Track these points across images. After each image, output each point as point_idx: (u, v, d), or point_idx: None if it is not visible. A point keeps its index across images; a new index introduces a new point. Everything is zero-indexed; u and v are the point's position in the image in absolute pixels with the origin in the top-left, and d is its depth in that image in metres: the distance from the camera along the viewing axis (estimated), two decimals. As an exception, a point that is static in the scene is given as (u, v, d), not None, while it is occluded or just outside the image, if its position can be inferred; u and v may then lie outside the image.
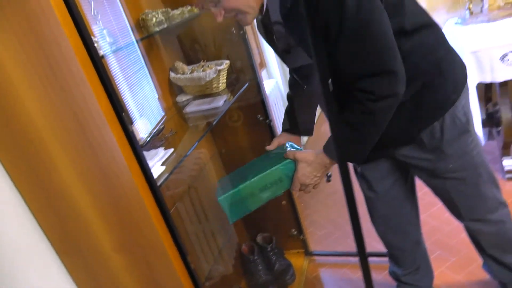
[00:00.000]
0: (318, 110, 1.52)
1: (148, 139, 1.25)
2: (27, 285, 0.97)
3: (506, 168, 2.23)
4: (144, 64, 1.65)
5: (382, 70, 0.97)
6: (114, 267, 1.06)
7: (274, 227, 2.09)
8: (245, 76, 1.78)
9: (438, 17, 2.51)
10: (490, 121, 2.46)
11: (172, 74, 1.65)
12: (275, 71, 3.06)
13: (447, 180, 1.23)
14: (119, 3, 1.57)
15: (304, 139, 3.02)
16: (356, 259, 2.03)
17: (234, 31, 1.68)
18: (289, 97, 1.49)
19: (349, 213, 0.85)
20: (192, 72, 1.63)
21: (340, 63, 0.99)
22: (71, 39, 0.76)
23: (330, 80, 0.73)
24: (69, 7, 0.77)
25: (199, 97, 1.66)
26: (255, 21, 1.24)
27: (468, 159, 1.20)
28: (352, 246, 2.18)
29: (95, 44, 0.83)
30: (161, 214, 0.96)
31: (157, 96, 1.69)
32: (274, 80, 2.93)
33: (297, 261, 2.07)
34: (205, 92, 1.65)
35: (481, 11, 2.27)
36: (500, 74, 1.96)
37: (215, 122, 1.38)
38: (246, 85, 1.68)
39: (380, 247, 1.73)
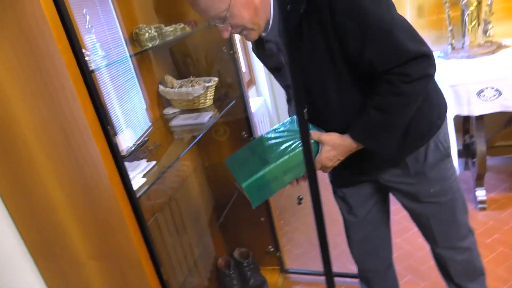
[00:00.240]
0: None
1: (132, 151, 1.28)
2: (0, 288, 0.99)
3: (479, 199, 2.32)
4: (134, 74, 1.69)
5: (417, 55, 0.99)
6: (89, 274, 1.08)
7: (251, 243, 2.12)
8: (233, 93, 1.83)
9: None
10: (467, 152, 2.55)
11: (161, 87, 1.70)
12: (264, 89, 3.12)
13: (426, 205, 1.27)
14: (114, 15, 1.61)
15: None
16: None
17: (225, 50, 1.74)
18: (290, 112, 1.49)
19: (318, 233, 0.89)
20: (180, 86, 1.68)
21: (370, 64, 1.01)
22: (64, 54, 0.80)
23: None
24: (64, 22, 0.81)
25: (186, 111, 1.70)
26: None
27: (447, 184, 1.26)
28: (327, 266, 2.22)
29: (87, 58, 0.87)
30: (138, 225, 0.99)
31: (145, 107, 1.72)
32: (262, 98, 2.99)
33: (272, 277, 2.10)
34: (192, 106, 1.69)
35: (462, 47, 2.37)
36: (476, 108, 2.05)
37: (199, 138, 1.42)
38: (233, 102, 1.73)
39: (354, 268, 1.77)
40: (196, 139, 1.42)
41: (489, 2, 2.30)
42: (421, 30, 2.06)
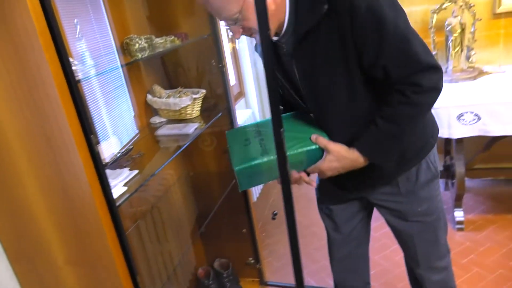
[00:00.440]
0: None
1: (115, 159, 1.30)
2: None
3: (457, 219, 2.37)
4: (124, 82, 1.71)
5: (429, 66, 1.01)
6: (65, 279, 1.09)
7: (232, 254, 2.14)
8: (221, 105, 1.87)
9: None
10: (447, 173, 2.62)
11: (149, 96, 1.72)
12: (253, 101, 3.17)
13: (412, 223, 1.29)
14: (107, 23, 1.64)
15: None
16: (307, 293, 2.09)
17: (214, 63, 1.78)
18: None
19: (290, 246, 0.91)
20: (168, 96, 1.71)
21: (385, 72, 1.02)
22: (51, 65, 0.82)
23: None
24: (53, 33, 0.84)
25: (172, 121, 1.73)
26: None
27: (434, 203, 1.28)
28: (307, 280, 2.24)
29: (75, 68, 0.89)
30: (117, 233, 1.01)
31: (133, 114, 1.74)
32: (251, 110, 3.03)
33: (251, 289, 2.11)
34: (179, 117, 1.72)
35: (446, 71, 2.45)
36: (456, 132, 2.12)
37: (182, 149, 1.44)
38: (219, 115, 1.77)
39: (332, 283, 1.80)
40: (180, 150, 1.45)
41: (472, 30, 2.39)
42: (406, 53, 2.11)
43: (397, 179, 1.22)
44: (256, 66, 3.23)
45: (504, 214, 2.44)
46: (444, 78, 2.38)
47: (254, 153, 1.10)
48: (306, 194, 3.13)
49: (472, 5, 2.36)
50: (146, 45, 1.46)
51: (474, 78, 2.35)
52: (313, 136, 1.13)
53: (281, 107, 1.47)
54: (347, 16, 0.97)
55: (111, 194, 0.97)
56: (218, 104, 1.86)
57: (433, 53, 2.45)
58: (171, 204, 1.93)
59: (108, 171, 1.23)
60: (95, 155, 0.93)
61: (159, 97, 1.72)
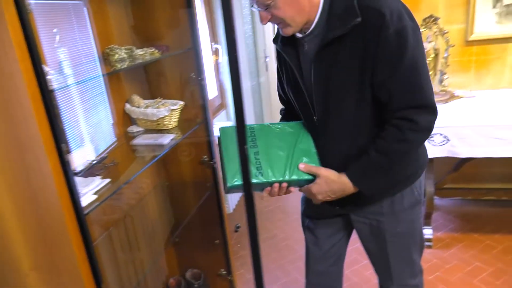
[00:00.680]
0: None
1: (88, 167, 1.31)
2: None
3: (426, 237, 2.44)
4: (105, 89, 1.73)
5: (429, 105, 1.06)
6: (30, 285, 1.09)
7: (205, 264, 2.15)
8: (199, 117, 1.90)
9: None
10: (419, 191, 2.69)
11: (127, 106, 1.75)
12: (233, 114, 3.20)
13: (390, 243, 1.31)
14: (90, 31, 1.66)
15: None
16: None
17: (193, 76, 1.81)
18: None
19: (252, 258, 0.93)
20: (147, 107, 1.73)
21: (389, 95, 1.07)
22: (25, 74, 0.85)
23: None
24: (29, 44, 0.86)
25: (150, 131, 1.75)
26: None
27: (414, 226, 1.32)
28: (277, 292, 2.27)
29: (50, 77, 0.92)
30: (83, 241, 1.03)
31: (112, 122, 1.76)
32: (231, 123, 3.07)
33: (222, 300, 2.12)
34: (156, 127, 1.75)
35: (419, 93, 2.54)
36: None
37: (156, 159, 1.47)
38: (196, 127, 1.80)
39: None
40: (153, 161, 1.47)
41: (445, 55, 2.50)
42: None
43: (382, 200, 1.26)
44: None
45: (471, 233, 2.53)
46: (417, 100, 2.49)
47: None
48: (282, 207, 3.18)
49: (446, 31, 2.47)
50: (125, 56, 1.49)
51: (446, 101, 2.45)
52: (301, 166, 1.18)
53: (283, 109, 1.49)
54: (376, 32, 1.01)
55: (79, 202, 0.99)
56: (197, 116, 1.89)
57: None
58: (145, 213, 1.94)
59: (80, 179, 1.25)
60: (65, 164, 0.95)
61: (138, 107, 1.74)
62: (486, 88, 2.58)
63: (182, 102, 1.78)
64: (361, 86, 1.09)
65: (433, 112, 1.09)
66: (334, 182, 1.17)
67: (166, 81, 1.92)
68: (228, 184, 1.13)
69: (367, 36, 1.03)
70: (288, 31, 1.12)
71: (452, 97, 2.48)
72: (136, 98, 1.76)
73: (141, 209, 1.91)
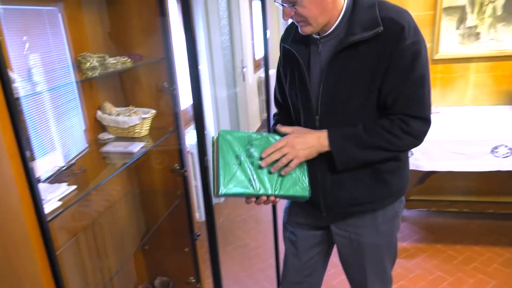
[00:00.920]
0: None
1: (55, 174, 1.32)
2: None
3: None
4: (77, 96, 1.72)
5: (425, 117, 1.15)
6: (-10, 292, 1.09)
7: (174, 272, 2.16)
8: (171, 125, 1.92)
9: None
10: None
11: (99, 113, 1.75)
12: (209, 122, 3.24)
13: (368, 256, 1.34)
14: (64, 38, 1.66)
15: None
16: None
17: (166, 85, 1.84)
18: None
19: (211, 266, 0.97)
20: (118, 114, 1.75)
21: (393, 101, 1.13)
22: (-10, 83, 0.86)
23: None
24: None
25: (121, 138, 1.77)
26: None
27: (391, 239, 1.36)
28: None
29: (17, 84, 0.93)
30: (46, 247, 1.03)
31: (84, 128, 1.76)
32: (205, 132, 3.09)
33: (190, 309, 2.13)
34: (127, 135, 1.76)
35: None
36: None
37: (125, 166, 1.48)
38: (167, 135, 1.82)
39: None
40: (122, 168, 1.48)
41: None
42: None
43: (364, 214, 1.29)
44: (215, 88, 3.32)
45: (434, 244, 2.63)
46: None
47: (242, 179, 1.16)
48: (255, 215, 3.21)
49: (413, 49, 2.58)
50: (97, 64, 1.50)
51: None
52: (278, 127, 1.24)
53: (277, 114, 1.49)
54: (394, 42, 1.08)
55: (42, 209, 1.00)
56: (168, 124, 1.91)
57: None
58: (115, 220, 1.94)
59: (45, 186, 1.26)
60: (28, 171, 0.96)
61: (109, 114, 1.75)
62: (450, 105, 2.70)
63: (153, 111, 1.81)
64: (369, 91, 1.14)
65: (427, 124, 1.16)
66: (308, 132, 1.20)
67: (140, 89, 1.94)
68: (221, 191, 1.14)
69: (385, 46, 1.09)
70: (307, 30, 1.14)
71: (420, 112, 2.58)
72: (108, 106, 1.77)
73: (110, 216, 1.91)
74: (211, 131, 3.23)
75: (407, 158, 1.33)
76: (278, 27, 6.51)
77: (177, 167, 1.95)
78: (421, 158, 2.22)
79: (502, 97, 2.62)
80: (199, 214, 2.97)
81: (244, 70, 4.04)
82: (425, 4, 2.55)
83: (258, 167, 1.18)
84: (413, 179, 2.68)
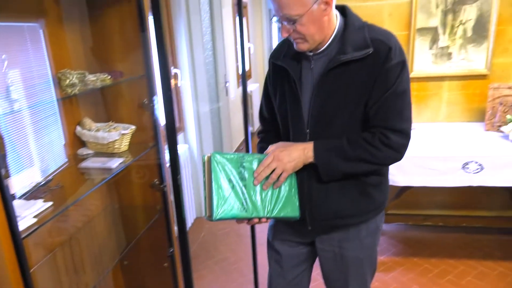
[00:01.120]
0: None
1: (31, 190, 1.32)
2: None
3: (369, 260, 2.56)
4: (57, 111, 1.73)
5: (404, 131, 1.20)
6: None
7: (153, 287, 2.15)
8: (151, 141, 1.94)
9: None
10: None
11: (78, 128, 1.77)
12: (191, 137, 3.26)
13: (351, 270, 1.38)
14: (45, 54, 1.68)
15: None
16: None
17: (146, 102, 1.87)
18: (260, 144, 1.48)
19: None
20: (98, 130, 1.76)
21: (375, 113, 1.19)
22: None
23: None
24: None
25: (100, 154, 1.78)
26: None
27: (372, 252, 1.40)
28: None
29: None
30: (19, 264, 1.04)
31: (63, 144, 1.76)
32: (187, 145, 3.12)
33: (168, 325, 2.12)
34: (106, 150, 1.77)
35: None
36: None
37: (103, 182, 1.49)
38: (146, 151, 1.84)
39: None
40: (99, 185, 1.50)
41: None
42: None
43: (349, 227, 1.33)
44: (198, 103, 3.36)
45: (411, 257, 2.68)
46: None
47: (235, 203, 1.19)
48: (236, 230, 3.22)
49: (389, 68, 2.67)
50: (77, 81, 1.53)
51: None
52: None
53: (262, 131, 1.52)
54: (381, 62, 1.15)
55: (16, 226, 1.01)
56: (148, 139, 1.93)
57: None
58: (92, 235, 1.93)
59: (21, 202, 1.26)
60: (3, 188, 0.97)
61: (89, 130, 1.77)
62: (425, 121, 2.80)
63: (133, 127, 1.83)
64: (357, 105, 1.20)
65: (406, 137, 1.22)
66: (292, 144, 1.24)
67: (121, 105, 1.96)
68: (215, 217, 1.17)
69: (374, 64, 1.17)
70: (303, 47, 1.20)
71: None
72: (88, 121, 1.79)
73: (89, 231, 1.90)
74: (193, 146, 3.26)
75: (388, 173, 1.40)
76: (262, 42, 6.61)
77: (157, 182, 1.97)
78: (396, 174, 2.28)
79: (473, 114, 2.73)
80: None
81: (227, 85, 4.09)
82: (400, 24, 2.66)
83: (251, 189, 1.22)
84: (390, 193, 2.72)
